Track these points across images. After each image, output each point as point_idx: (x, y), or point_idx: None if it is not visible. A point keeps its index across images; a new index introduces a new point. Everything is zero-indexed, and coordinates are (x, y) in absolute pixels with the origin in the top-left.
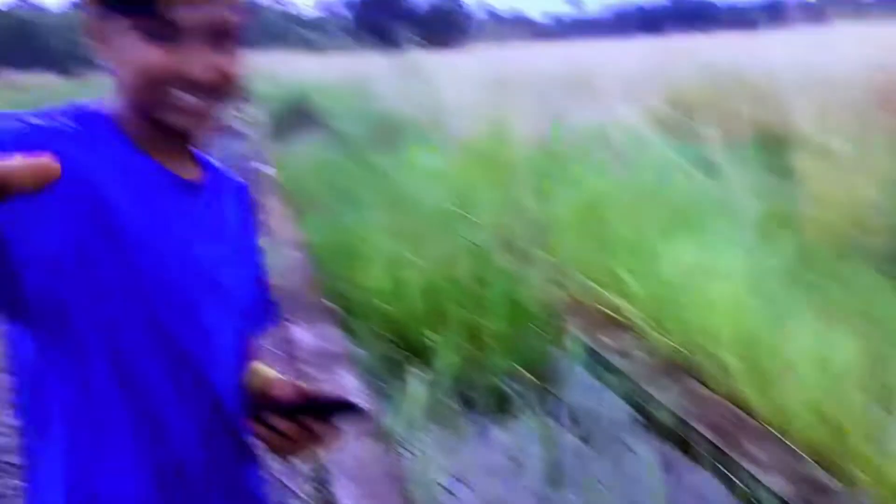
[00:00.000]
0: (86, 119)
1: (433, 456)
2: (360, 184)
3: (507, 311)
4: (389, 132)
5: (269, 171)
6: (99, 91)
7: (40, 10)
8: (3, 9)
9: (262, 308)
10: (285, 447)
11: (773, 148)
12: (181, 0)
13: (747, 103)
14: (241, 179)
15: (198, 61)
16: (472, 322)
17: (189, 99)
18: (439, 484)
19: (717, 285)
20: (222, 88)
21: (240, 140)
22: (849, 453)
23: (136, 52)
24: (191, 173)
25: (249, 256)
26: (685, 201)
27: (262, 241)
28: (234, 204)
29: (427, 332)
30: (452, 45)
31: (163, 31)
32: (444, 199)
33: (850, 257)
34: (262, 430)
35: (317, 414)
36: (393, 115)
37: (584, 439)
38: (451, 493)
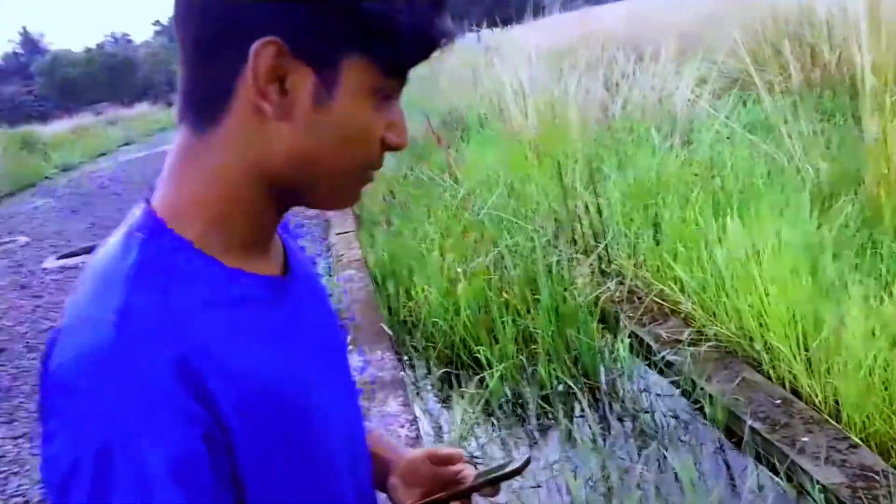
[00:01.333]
0: (164, 283)
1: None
2: (418, 193)
3: (557, 313)
4: (454, 129)
5: None
6: None
7: (128, 41)
8: (94, 46)
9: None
10: None
11: (839, 98)
12: (436, 48)
13: (815, 50)
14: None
15: (401, 124)
16: (523, 329)
17: (375, 170)
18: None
19: (772, 268)
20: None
21: None
22: None
23: (359, 119)
24: (274, 258)
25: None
26: (743, 172)
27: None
28: (304, 254)
29: (479, 345)
30: (520, 19)
31: (396, 89)
32: (496, 200)
33: None
34: None
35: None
36: (458, 109)
37: (641, 437)
38: None
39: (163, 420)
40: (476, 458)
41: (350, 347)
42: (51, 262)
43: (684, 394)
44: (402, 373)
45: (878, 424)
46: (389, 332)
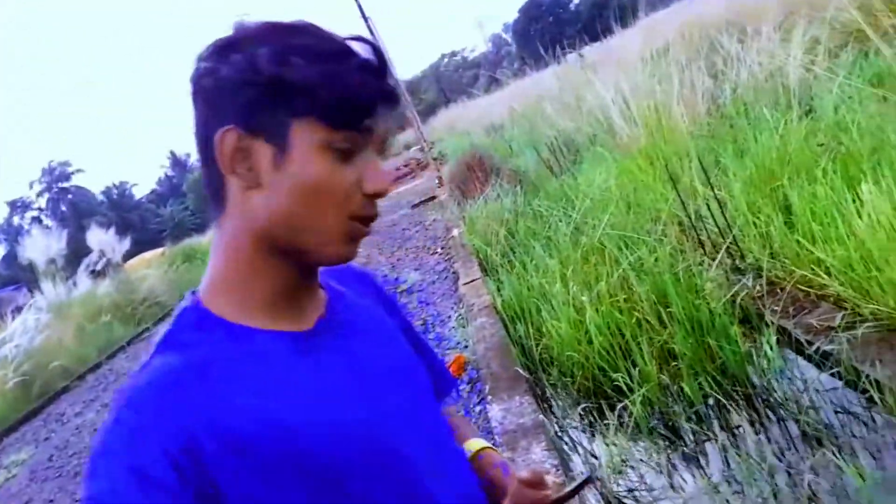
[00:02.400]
0: (185, 342)
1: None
2: (536, 227)
3: (693, 323)
4: (565, 155)
5: (459, 233)
6: None
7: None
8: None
9: (441, 387)
10: None
11: None
12: (378, 103)
13: None
14: (359, 268)
15: (372, 171)
16: (660, 347)
17: (362, 226)
18: None
19: None
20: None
21: (433, 206)
22: None
23: (315, 172)
24: (311, 312)
25: (409, 344)
26: (873, 131)
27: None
28: (367, 299)
29: (615, 372)
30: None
31: (356, 141)
32: (613, 218)
33: None
34: None
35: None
36: (567, 133)
37: (807, 440)
38: None
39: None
40: (636, 490)
41: (489, 397)
42: None
43: (849, 384)
44: (541, 416)
45: None
46: (525, 374)
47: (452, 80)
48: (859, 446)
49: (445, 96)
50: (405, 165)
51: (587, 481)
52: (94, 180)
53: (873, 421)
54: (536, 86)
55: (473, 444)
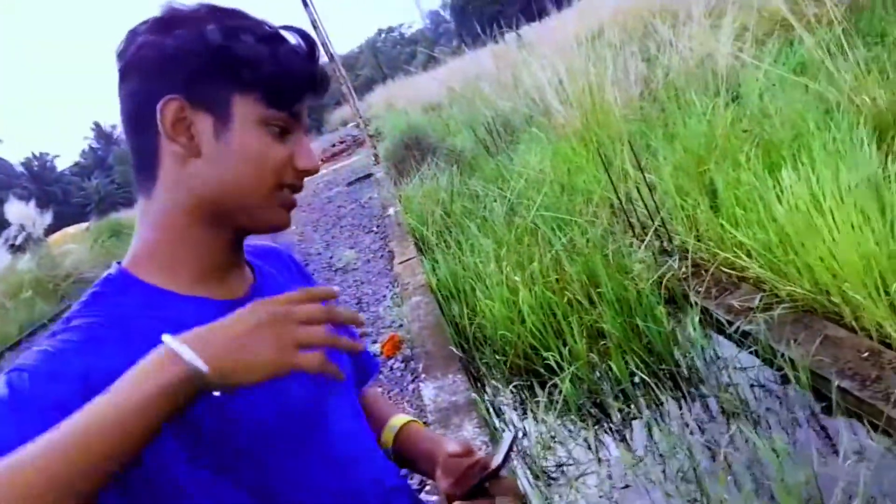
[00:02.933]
0: (110, 303)
1: (575, 477)
2: (470, 208)
3: (621, 303)
4: (502, 135)
5: (395, 212)
6: None
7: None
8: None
9: (361, 366)
10: None
11: (891, 14)
12: (308, 89)
13: None
14: (277, 246)
15: (304, 151)
16: (590, 326)
17: (291, 194)
18: None
19: (837, 215)
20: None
21: (369, 184)
22: None
23: (255, 145)
24: (238, 285)
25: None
26: (794, 118)
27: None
28: (287, 275)
29: (547, 350)
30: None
31: (288, 122)
32: (547, 200)
33: None
34: None
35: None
36: (505, 114)
37: (726, 415)
38: None
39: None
40: (564, 465)
41: (423, 376)
42: None
43: (766, 363)
44: (474, 394)
45: None
46: (459, 353)
47: (390, 57)
48: (773, 421)
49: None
50: (341, 142)
51: (513, 441)
52: (12, 151)
53: (787, 397)
54: (474, 65)
55: (398, 420)
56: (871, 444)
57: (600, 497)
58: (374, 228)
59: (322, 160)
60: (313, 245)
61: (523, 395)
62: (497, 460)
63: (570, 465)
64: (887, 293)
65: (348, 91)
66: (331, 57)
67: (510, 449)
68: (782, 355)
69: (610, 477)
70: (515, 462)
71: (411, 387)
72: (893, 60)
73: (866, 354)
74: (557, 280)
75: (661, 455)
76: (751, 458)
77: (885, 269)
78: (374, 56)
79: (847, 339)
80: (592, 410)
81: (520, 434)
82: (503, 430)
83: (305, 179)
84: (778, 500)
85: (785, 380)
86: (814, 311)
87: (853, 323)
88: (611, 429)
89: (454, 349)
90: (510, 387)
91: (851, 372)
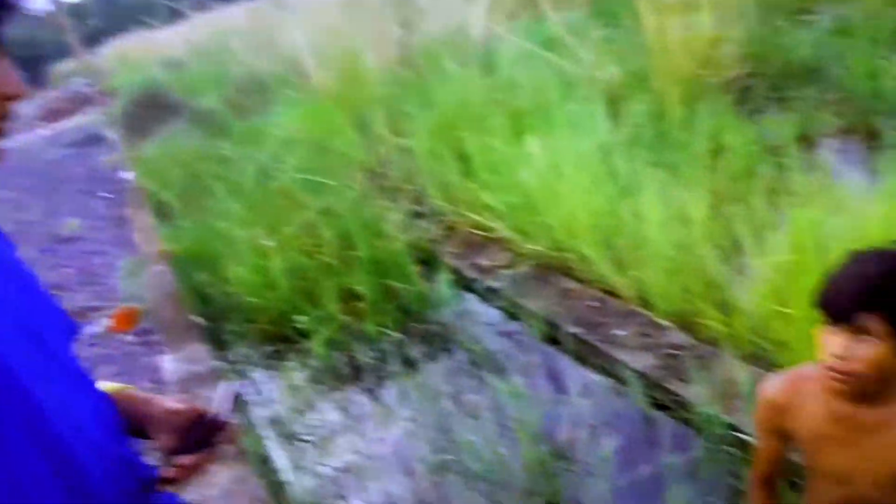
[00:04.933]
0: None
1: (326, 438)
2: (219, 172)
3: (376, 265)
4: (255, 95)
5: (130, 176)
6: None
7: None
8: None
9: (62, 325)
10: (186, 477)
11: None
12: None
13: None
14: None
15: (8, 78)
16: (345, 289)
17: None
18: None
19: (573, 179)
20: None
21: (99, 146)
22: (703, 312)
23: None
24: None
25: (32, 290)
26: (539, 90)
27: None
28: None
29: (300, 315)
30: None
31: None
32: (303, 163)
33: (704, 99)
34: (174, 471)
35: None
36: (257, 74)
37: (476, 367)
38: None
39: None
40: (317, 427)
41: (163, 347)
42: None
43: (511, 315)
44: (216, 363)
45: (681, 305)
46: (202, 322)
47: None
48: (515, 368)
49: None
50: (65, 99)
51: (237, 395)
52: None
53: (527, 345)
54: (223, 20)
55: (107, 388)
56: (595, 381)
57: (353, 454)
58: (107, 194)
59: (42, 119)
60: (31, 212)
61: (275, 361)
62: (217, 412)
63: (322, 427)
64: (614, 248)
65: (75, 41)
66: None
67: (233, 402)
68: (524, 308)
69: (363, 435)
70: (254, 424)
71: (150, 360)
72: (625, 41)
73: (594, 303)
74: (313, 244)
75: (413, 409)
76: (495, 402)
77: (610, 229)
78: (108, 5)
79: (579, 290)
80: (347, 372)
81: (257, 396)
82: (226, 390)
83: (13, 112)
84: (517, 437)
85: (526, 330)
86: (552, 267)
87: (585, 276)
88: (365, 388)
89: (195, 318)
90: (260, 353)
91: (581, 319)
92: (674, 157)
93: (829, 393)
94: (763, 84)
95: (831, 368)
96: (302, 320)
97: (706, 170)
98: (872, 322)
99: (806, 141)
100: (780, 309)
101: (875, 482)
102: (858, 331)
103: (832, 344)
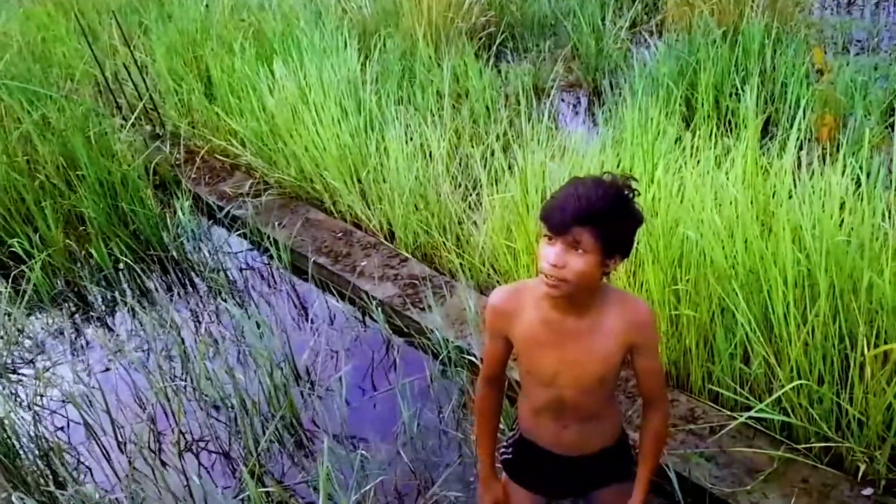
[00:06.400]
0: None
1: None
2: None
3: (108, 187)
4: None
5: None
6: None
7: None
8: None
9: None
10: None
11: None
12: None
13: None
14: None
15: None
16: (68, 211)
17: None
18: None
19: (321, 109)
20: None
21: None
22: (442, 245)
23: None
24: None
25: None
26: (288, 16)
27: None
28: None
29: (15, 238)
30: None
31: None
32: (13, 70)
33: (451, 42)
34: None
35: None
36: None
37: (216, 296)
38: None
39: None
40: (32, 361)
41: None
42: None
43: (255, 244)
44: None
45: (422, 238)
46: None
47: None
48: (257, 296)
49: None
50: None
51: None
52: None
53: (271, 275)
54: None
55: None
56: (339, 308)
57: (76, 384)
58: None
59: None
60: None
61: None
62: None
63: (41, 357)
64: (360, 181)
65: None
66: None
67: None
68: (269, 237)
69: (88, 364)
70: None
71: None
72: None
73: (340, 234)
74: (28, 161)
75: (145, 338)
76: (236, 331)
77: (357, 160)
78: None
79: (325, 221)
80: (71, 299)
81: None
82: None
83: None
84: (258, 363)
85: (270, 259)
86: (299, 197)
87: (332, 207)
88: (92, 317)
89: None
90: None
91: (327, 250)
92: (420, 96)
93: (545, 300)
94: (506, 34)
95: (547, 274)
96: (16, 244)
97: (449, 110)
98: (585, 236)
99: (540, 90)
100: (508, 243)
101: (575, 384)
102: (573, 244)
103: (549, 254)
